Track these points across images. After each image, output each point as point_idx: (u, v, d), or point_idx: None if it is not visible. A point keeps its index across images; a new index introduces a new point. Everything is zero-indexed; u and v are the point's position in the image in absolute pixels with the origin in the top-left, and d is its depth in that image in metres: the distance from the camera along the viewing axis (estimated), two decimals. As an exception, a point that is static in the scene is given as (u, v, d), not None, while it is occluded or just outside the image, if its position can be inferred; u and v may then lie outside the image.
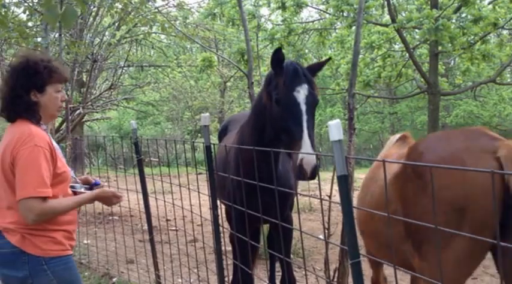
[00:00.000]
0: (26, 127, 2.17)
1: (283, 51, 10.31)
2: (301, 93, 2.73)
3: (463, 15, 10.60)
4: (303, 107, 2.69)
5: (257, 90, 9.41)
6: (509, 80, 19.20)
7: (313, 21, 11.09)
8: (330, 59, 3.34)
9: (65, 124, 9.07)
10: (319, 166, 2.54)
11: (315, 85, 2.91)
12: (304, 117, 2.65)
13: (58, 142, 8.77)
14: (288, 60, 2.97)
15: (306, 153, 2.49)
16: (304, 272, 4.43)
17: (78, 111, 8.61)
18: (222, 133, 4.42)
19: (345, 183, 1.52)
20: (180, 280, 4.39)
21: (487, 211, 2.05)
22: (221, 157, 3.58)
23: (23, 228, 2.12)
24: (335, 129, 1.48)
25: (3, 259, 2.13)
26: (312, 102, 2.77)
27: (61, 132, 9.12)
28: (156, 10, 8.85)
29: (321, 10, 10.53)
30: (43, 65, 2.23)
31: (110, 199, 2.38)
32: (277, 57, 2.89)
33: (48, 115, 2.30)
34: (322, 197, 2.09)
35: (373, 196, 2.89)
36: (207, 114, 3.11)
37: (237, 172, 3.02)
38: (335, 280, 3.59)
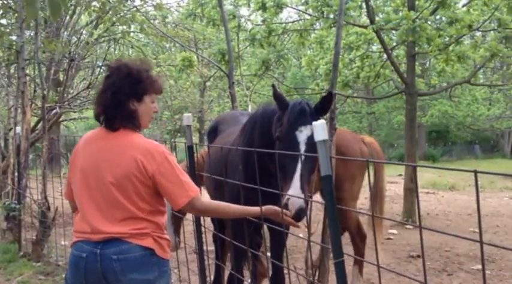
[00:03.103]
0: (144, 140, 2.20)
1: (264, 51, 10.21)
2: (304, 133, 2.63)
3: (438, 17, 10.84)
4: (303, 147, 2.59)
5: (237, 89, 9.45)
6: (482, 81, 19.70)
7: (293, 22, 11.15)
8: (330, 94, 2.98)
9: (40, 123, 8.87)
10: (305, 210, 2.44)
11: None
12: (302, 158, 2.53)
13: (33, 143, 8.57)
14: (297, 100, 2.87)
15: (293, 195, 2.42)
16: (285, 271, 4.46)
17: (54, 111, 8.42)
18: (212, 133, 4.36)
19: (329, 183, 1.54)
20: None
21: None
22: (219, 156, 3.52)
23: (153, 231, 2.15)
24: (320, 129, 1.49)
25: (133, 263, 2.09)
26: (315, 144, 2.61)
27: (37, 131, 8.92)
28: (135, 9, 8.74)
29: (300, 11, 10.60)
30: (146, 75, 2.23)
31: (277, 216, 2.36)
32: (275, 92, 2.81)
33: (141, 125, 2.29)
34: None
35: None
36: (189, 114, 3.08)
37: (245, 175, 2.98)
38: (316, 278, 3.62)
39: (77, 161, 2.24)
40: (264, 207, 2.33)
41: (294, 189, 2.44)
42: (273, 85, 2.94)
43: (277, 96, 2.84)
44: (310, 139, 2.59)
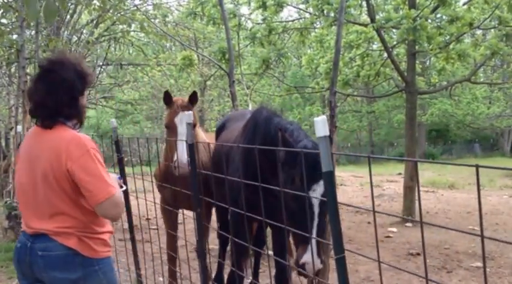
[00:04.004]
0: (70, 133, 2.14)
1: (264, 50, 10.07)
2: (317, 192, 2.52)
3: (439, 15, 10.84)
4: (316, 210, 2.53)
5: (238, 88, 9.45)
6: (482, 79, 19.70)
7: (293, 21, 11.15)
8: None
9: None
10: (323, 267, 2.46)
11: None
12: (315, 222, 2.50)
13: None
14: (307, 143, 2.72)
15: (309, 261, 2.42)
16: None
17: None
18: (220, 130, 4.43)
19: (330, 179, 1.55)
20: (161, 279, 4.37)
21: None
22: (221, 153, 3.55)
23: (79, 231, 2.13)
24: (321, 125, 1.50)
25: (55, 261, 2.10)
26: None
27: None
28: (135, 8, 8.75)
29: (300, 9, 10.60)
30: (88, 68, 2.24)
31: None
32: (283, 137, 2.70)
33: (82, 119, 2.29)
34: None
35: None
36: (190, 111, 3.04)
37: (245, 173, 2.99)
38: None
39: (17, 159, 2.30)
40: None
41: (309, 254, 2.42)
42: (280, 129, 2.81)
43: (284, 142, 2.71)
44: (324, 196, 2.49)
